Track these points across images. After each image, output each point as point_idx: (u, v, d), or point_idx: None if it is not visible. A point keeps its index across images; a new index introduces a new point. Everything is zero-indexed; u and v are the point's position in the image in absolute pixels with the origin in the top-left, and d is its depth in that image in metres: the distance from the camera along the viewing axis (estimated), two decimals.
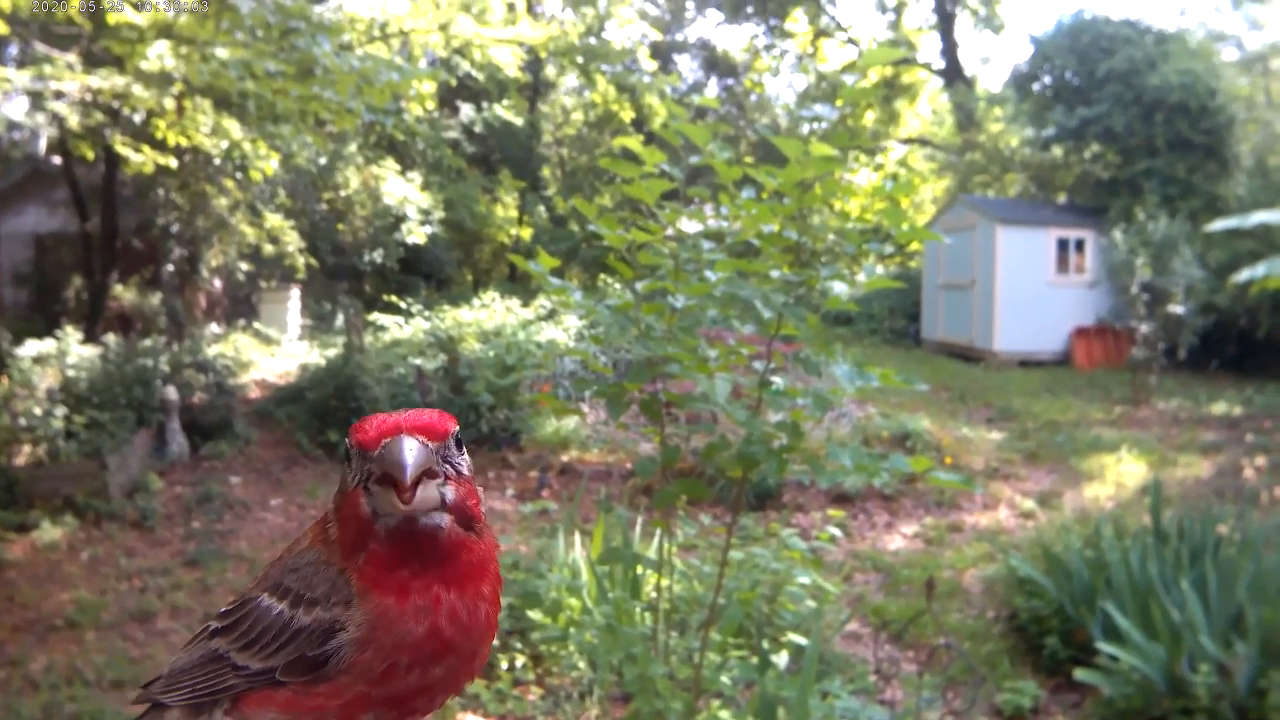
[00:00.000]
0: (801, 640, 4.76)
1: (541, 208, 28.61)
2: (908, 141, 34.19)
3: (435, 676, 0.94)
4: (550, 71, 27.57)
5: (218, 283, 19.10)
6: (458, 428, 0.97)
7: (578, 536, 6.42)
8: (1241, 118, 19.31)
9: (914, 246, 24.22)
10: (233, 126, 11.05)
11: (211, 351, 12.71)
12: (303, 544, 1.02)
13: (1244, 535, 5.67)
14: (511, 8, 19.03)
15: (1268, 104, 21.58)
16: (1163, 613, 5.01)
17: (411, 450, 0.90)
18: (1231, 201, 17.79)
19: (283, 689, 0.96)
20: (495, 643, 1.01)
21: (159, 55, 9.10)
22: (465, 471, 0.96)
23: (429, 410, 0.96)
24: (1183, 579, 5.25)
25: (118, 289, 17.04)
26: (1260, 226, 12.82)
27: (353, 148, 20.63)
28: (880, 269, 22.41)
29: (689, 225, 4.09)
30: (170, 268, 17.38)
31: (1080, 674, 5.13)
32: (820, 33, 34.85)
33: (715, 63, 34.23)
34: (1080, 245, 19.50)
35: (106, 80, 9.27)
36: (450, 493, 0.93)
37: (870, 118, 32.21)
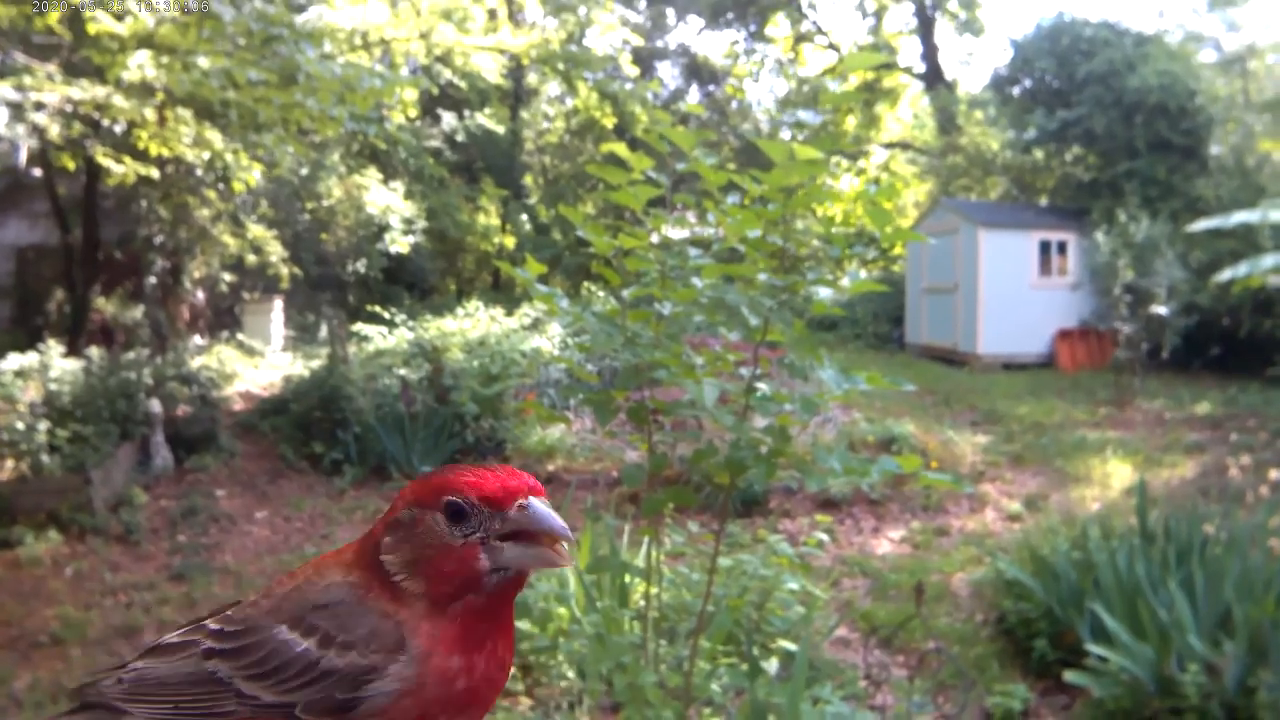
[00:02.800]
0: (791, 646, 4.76)
1: (524, 216, 28.59)
2: (889, 146, 34.27)
3: None
4: (532, 79, 27.59)
5: (200, 294, 19.02)
6: None
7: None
8: (1220, 119, 19.43)
9: (897, 251, 24.29)
10: (215, 137, 11.01)
11: (195, 363, 12.67)
12: (325, 579, 1.01)
13: (1230, 534, 5.68)
14: (493, 15, 19.07)
15: (1246, 105, 21.69)
16: (1151, 613, 5.02)
17: (556, 513, 0.98)
18: (1212, 202, 17.87)
19: None
20: None
21: (140, 65, 9.05)
22: None
23: (509, 468, 1.01)
24: (1170, 579, 5.26)
25: (100, 301, 16.95)
26: (1241, 226, 12.89)
27: (335, 157, 20.58)
28: (864, 273, 22.47)
29: (675, 231, 4.08)
30: (153, 279, 17.29)
31: (1070, 675, 5.13)
32: (801, 38, 34.93)
33: (696, 69, 34.26)
34: (1063, 247, 19.58)
35: (87, 91, 9.22)
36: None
37: (852, 122, 32.29)
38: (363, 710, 0.92)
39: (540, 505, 0.98)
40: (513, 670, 4.47)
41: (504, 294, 23.90)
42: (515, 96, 28.76)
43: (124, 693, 1.04)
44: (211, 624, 1.04)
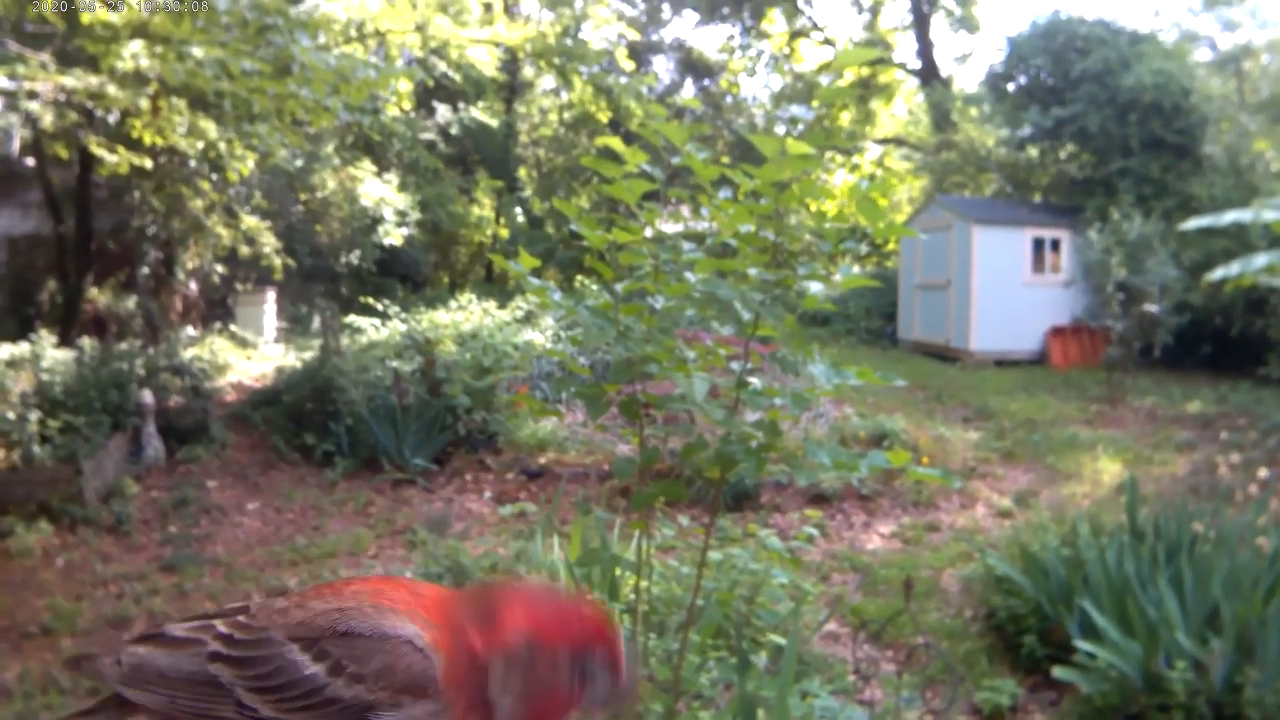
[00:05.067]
0: (780, 640, 4.76)
1: (518, 209, 28.56)
2: (884, 141, 34.28)
3: None
4: (528, 72, 27.55)
5: (193, 285, 18.97)
6: None
7: (556, 539, 6.41)
8: (1214, 118, 19.44)
9: (890, 246, 24.31)
10: (209, 127, 10.99)
11: (187, 354, 12.64)
12: (358, 610, 0.99)
13: (1219, 532, 5.70)
14: (489, 8, 19.04)
15: (1240, 104, 21.73)
16: (1139, 610, 5.03)
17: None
18: (1205, 200, 17.87)
19: None
20: None
21: (134, 54, 9.03)
22: None
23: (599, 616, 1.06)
24: (1159, 576, 5.28)
25: (92, 292, 16.90)
26: (1234, 225, 12.89)
27: (329, 149, 20.54)
28: (856, 269, 22.47)
29: (669, 226, 4.08)
30: (145, 270, 17.26)
31: (1058, 672, 5.14)
32: (796, 33, 34.91)
33: (691, 64, 34.23)
34: (1056, 245, 19.59)
35: (81, 80, 9.20)
36: None
37: (846, 118, 32.28)
38: None
39: (634, 686, 1.04)
40: None
41: (497, 287, 23.88)
42: (510, 89, 28.72)
43: (122, 676, 1.05)
44: (221, 626, 1.04)
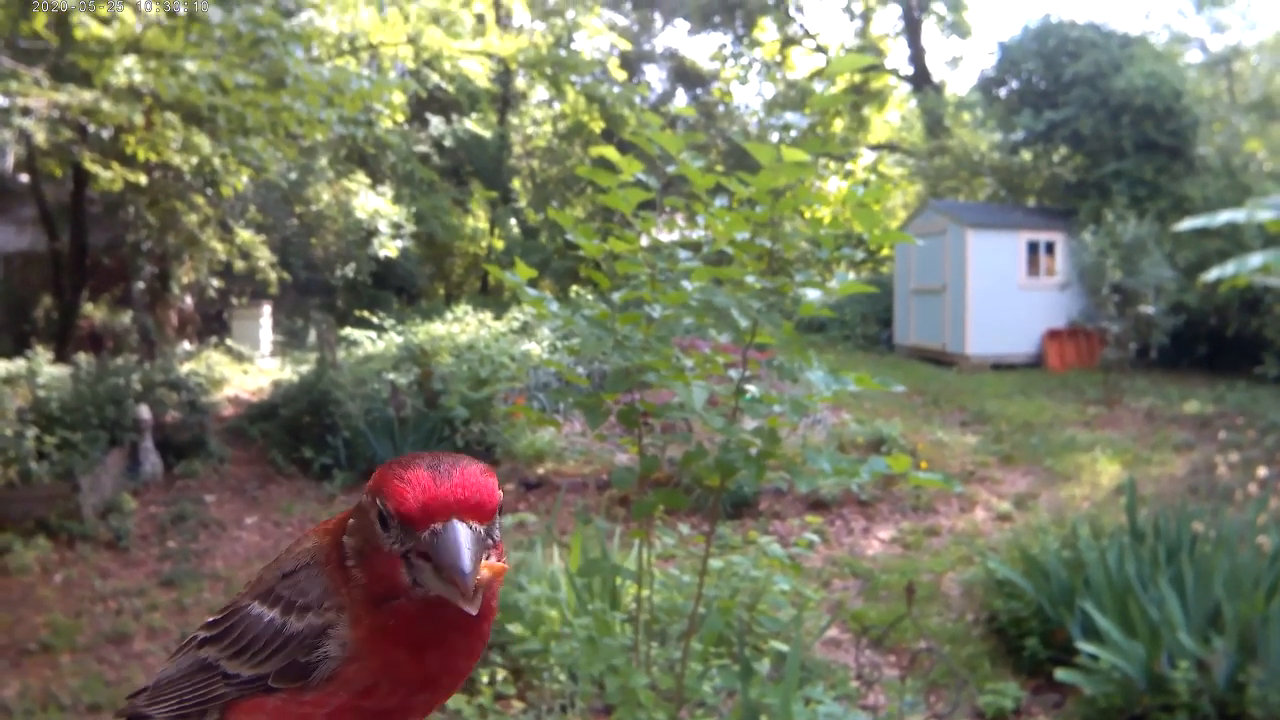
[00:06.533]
0: (783, 647, 4.76)
1: (512, 220, 28.56)
2: (877, 147, 34.31)
3: (416, 702, 0.95)
4: (521, 83, 27.58)
5: (189, 300, 18.98)
6: (500, 493, 0.91)
7: (555, 549, 6.40)
8: (1206, 119, 19.49)
9: (885, 252, 24.33)
10: (203, 141, 10.99)
11: (184, 369, 12.64)
12: (299, 550, 1.01)
13: (1219, 532, 5.70)
14: (481, 19, 19.06)
15: (1231, 105, 21.78)
16: (1141, 611, 5.03)
17: (469, 548, 0.84)
18: (1198, 201, 17.89)
19: (273, 697, 0.96)
20: None
21: (127, 69, 9.03)
22: (500, 539, 0.92)
23: (469, 468, 0.89)
24: (1160, 577, 5.28)
25: (88, 308, 16.90)
26: (1227, 226, 12.92)
27: (323, 162, 20.54)
28: (852, 275, 22.47)
29: (664, 234, 4.09)
30: (141, 285, 17.26)
31: (1061, 674, 5.14)
32: (788, 41, 34.95)
33: (684, 73, 34.28)
34: (1050, 248, 19.61)
35: (74, 96, 9.19)
36: (487, 575, 0.87)
37: (839, 124, 32.32)
38: (318, 674, 0.92)
39: (452, 536, 0.85)
40: (504, 674, 4.42)
41: (493, 298, 23.89)
42: (503, 100, 28.74)
43: (149, 699, 1.08)
44: (212, 617, 1.07)
